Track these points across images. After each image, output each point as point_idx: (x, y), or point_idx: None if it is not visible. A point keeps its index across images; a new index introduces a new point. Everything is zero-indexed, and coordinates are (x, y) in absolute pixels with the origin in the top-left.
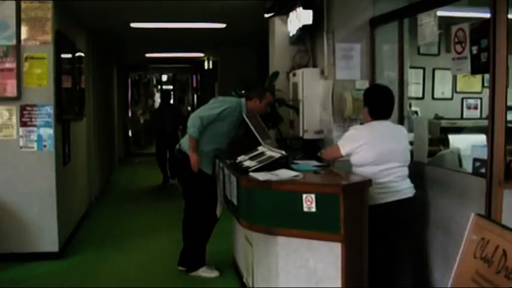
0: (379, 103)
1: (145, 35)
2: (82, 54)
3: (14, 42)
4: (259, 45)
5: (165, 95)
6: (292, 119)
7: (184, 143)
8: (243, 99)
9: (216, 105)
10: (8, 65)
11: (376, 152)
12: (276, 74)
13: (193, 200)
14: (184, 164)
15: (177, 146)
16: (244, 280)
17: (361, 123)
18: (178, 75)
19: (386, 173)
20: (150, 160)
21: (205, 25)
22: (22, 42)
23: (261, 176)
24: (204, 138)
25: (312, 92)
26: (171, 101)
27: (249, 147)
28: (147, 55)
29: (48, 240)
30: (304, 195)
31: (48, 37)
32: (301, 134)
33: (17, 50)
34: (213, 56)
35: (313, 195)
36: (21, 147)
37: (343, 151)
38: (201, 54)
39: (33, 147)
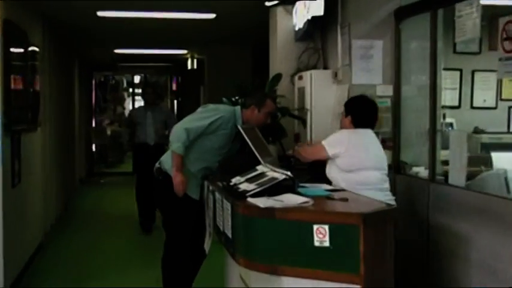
0: (364, 111)
1: (114, 26)
2: (36, 49)
3: None
4: (257, 41)
5: (149, 92)
6: (298, 132)
7: (166, 160)
8: (237, 108)
9: (205, 115)
10: None
11: (366, 156)
12: (278, 77)
13: (176, 231)
14: (165, 187)
15: (157, 165)
16: None
17: None
18: (154, 77)
19: (374, 180)
20: (118, 180)
21: (190, 15)
22: None
23: (262, 202)
24: (191, 155)
25: (323, 99)
26: (158, 101)
27: (246, 166)
28: (117, 51)
29: None
30: (315, 226)
31: None
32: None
33: None
34: (198, 53)
35: (326, 226)
36: None
37: (330, 152)
38: (184, 51)
39: None
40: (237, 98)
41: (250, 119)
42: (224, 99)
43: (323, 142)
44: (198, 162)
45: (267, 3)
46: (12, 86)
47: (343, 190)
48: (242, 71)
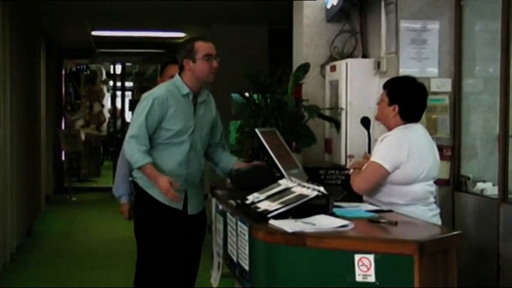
0: (415, 101)
1: (92, 2)
2: None
3: None
4: (275, 18)
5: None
6: (329, 138)
7: (139, 175)
8: (175, 77)
9: (140, 110)
10: None
11: (427, 164)
12: (304, 68)
13: (156, 259)
14: (138, 201)
15: (132, 178)
16: None
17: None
18: (141, 66)
19: (432, 190)
20: (95, 198)
21: None
22: None
23: (289, 226)
24: (158, 160)
25: (362, 95)
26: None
27: (265, 180)
28: (94, 33)
29: None
30: (357, 257)
31: None
32: (343, 162)
33: None
34: (200, 36)
35: (371, 257)
36: None
37: (388, 166)
38: (181, 34)
39: None
40: (250, 93)
41: (193, 77)
42: (233, 95)
43: (374, 159)
44: (169, 162)
45: None
46: None
47: (390, 211)
48: (256, 58)
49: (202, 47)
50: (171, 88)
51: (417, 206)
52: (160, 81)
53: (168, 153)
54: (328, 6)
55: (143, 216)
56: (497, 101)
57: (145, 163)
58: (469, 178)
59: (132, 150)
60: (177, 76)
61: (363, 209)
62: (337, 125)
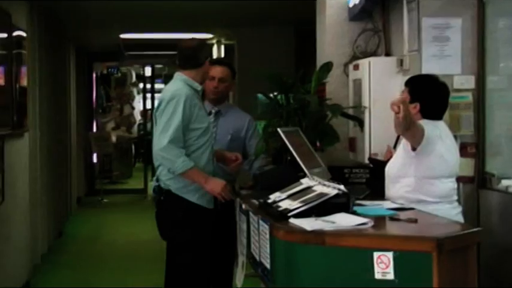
0: (436, 99)
1: (120, 5)
2: (23, 34)
3: None
4: (301, 19)
5: None
6: (353, 137)
7: (167, 177)
8: (181, 75)
9: (170, 110)
10: None
11: (454, 157)
12: (327, 67)
13: (189, 264)
14: (169, 207)
15: (154, 183)
16: None
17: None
18: (170, 68)
19: (455, 188)
20: (126, 200)
21: None
22: None
23: (309, 224)
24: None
25: (385, 94)
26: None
27: (288, 179)
28: (123, 37)
29: None
30: (376, 254)
31: None
32: (367, 160)
33: None
34: (226, 38)
35: (390, 254)
36: None
37: (426, 146)
38: (209, 36)
39: None
40: (275, 93)
41: (204, 76)
42: (260, 95)
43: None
44: (201, 161)
45: None
46: None
47: (412, 209)
48: (282, 59)
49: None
50: (188, 86)
51: (443, 204)
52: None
53: (198, 154)
54: (351, 5)
55: (178, 224)
56: None
57: (192, 166)
58: (493, 175)
59: (173, 155)
60: (182, 75)
61: (385, 207)
62: (361, 123)
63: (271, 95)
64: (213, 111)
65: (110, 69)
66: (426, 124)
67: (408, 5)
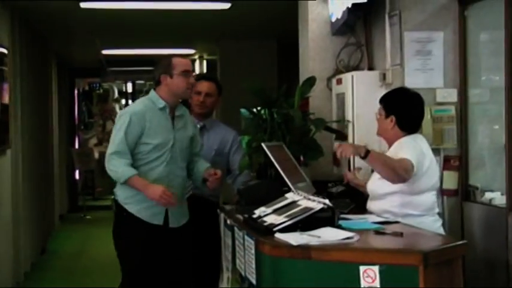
0: (410, 109)
1: (102, 21)
2: (4, 51)
3: None
4: (284, 33)
5: None
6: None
7: (119, 191)
8: (151, 92)
9: (117, 127)
10: None
11: (437, 172)
12: (310, 81)
13: (126, 274)
14: (123, 224)
15: (114, 196)
16: None
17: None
18: (151, 85)
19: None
20: (109, 216)
21: (199, 5)
22: None
23: (294, 239)
24: (141, 174)
25: (368, 107)
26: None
27: (272, 194)
28: (105, 52)
29: None
30: (362, 268)
31: None
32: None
33: None
34: (208, 53)
35: (376, 268)
36: None
37: (417, 171)
38: (190, 51)
39: None
40: (259, 108)
41: (170, 92)
42: (243, 110)
43: (409, 157)
44: (150, 175)
45: None
46: None
47: (397, 222)
48: (265, 73)
49: (180, 63)
50: (147, 103)
51: (427, 216)
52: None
53: (148, 167)
54: (333, 20)
55: (122, 234)
56: (502, 111)
57: (133, 174)
58: (477, 188)
59: (115, 165)
60: (152, 91)
61: (370, 220)
62: (344, 137)
63: (255, 110)
64: (198, 126)
65: (92, 85)
66: (407, 145)
67: (390, 20)
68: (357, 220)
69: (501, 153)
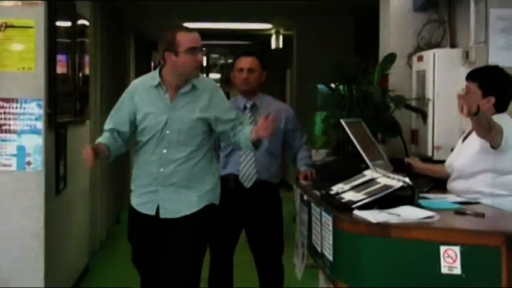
0: (510, 91)
1: None
2: (86, 23)
3: None
4: (361, 9)
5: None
6: (416, 129)
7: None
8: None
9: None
10: None
11: None
12: (391, 58)
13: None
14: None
15: None
16: None
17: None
18: (226, 58)
19: None
20: None
21: None
22: None
23: (373, 216)
24: (135, 156)
25: (450, 86)
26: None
27: (349, 171)
28: (188, 25)
29: None
30: (442, 248)
31: None
32: (429, 153)
33: None
34: (285, 28)
35: (457, 249)
36: None
37: (505, 145)
38: (267, 26)
39: (11, 166)
40: (337, 84)
41: (175, 71)
42: (319, 86)
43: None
44: (140, 158)
45: None
46: (58, 68)
47: (477, 203)
48: (342, 49)
49: (186, 39)
50: (145, 79)
51: (511, 197)
52: (232, 74)
53: (141, 151)
54: None
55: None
56: None
57: (95, 142)
58: None
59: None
60: (158, 69)
61: (450, 200)
62: (424, 116)
63: (332, 85)
64: (248, 105)
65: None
66: (500, 120)
67: None
68: (436, 199)
69: None
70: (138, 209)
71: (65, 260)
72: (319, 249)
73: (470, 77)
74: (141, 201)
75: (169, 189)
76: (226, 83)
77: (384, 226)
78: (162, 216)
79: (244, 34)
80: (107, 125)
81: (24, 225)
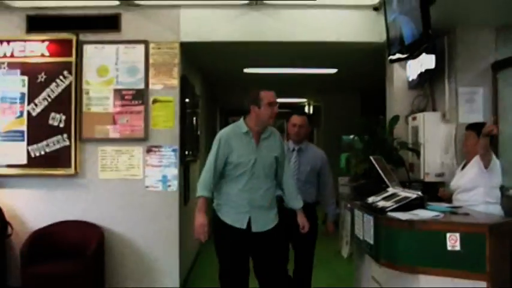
0: None
1: (254, 79)
2: (199, 99)
3: (142, 86)
4: (364, 89)
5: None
6: (412, 162)
7: (215, 196)
8: (240, 120)
9: (213, 147)
10: (136, 108)
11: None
12: (396, 118)
13: (221, 267)
14: (214, 219)
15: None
16: None
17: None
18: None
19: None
20: None
21: (318, 71)
22: (150, 86)
23: (402, 216)
24: (227, 186)
25: (433, 135)
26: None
27: (374, 189)
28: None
29: (170, 277)
30: (448, 234)
31: (175, 81)
32: (422, 177)
33: (145, 93)
34: (314, 101)
35: (457, 234)
36: (146, 187)
37: (493, 166)
38: (303, 100)
39: (158, 187)
40: (359, 135)
41: (257, 120)
42: (344, 137)
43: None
44: (233, 188)
45: (392, 57)
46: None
47: (460, 207)
48: (352, 114)
49: (267, 96)
50: (232, 128)
51: (498, 204)
52: (287, 126)
53: (234, 181)
54: (410, 80)
55: (215, 232)
56: None
57: (202, 195)
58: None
59: (200, 182)
60: (241, 119)
61: (444, 206)
62: (418, 154)
63: (357, 137)
64: (296, 148)
65: (234, 120)
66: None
67: (449, 79)
68: (435, 205)
69: None
70: (231, 224)
71: (189, 246)
72: (361, 237)
73: (470, 128)
74: (234, 219)
75: (258, 210)
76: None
77: (410, 222)
78: (254, 230)
79: (288, 105)
80: (208, 167)
81: (167, 226)
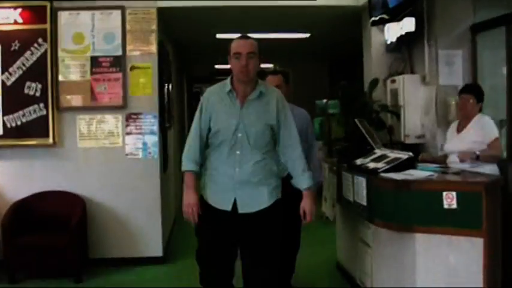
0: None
1: (222, 44)
2: (171, 65)
3: (120, 53)
4: (333, 57)
5: None
6: (391, 125)
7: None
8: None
9: (197, 110)
10: (114, 75)
11: None
12: (375, 82)
13: (200, 251)
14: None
15: None
16: (359, 283)
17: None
18: None
19: None
20: None
21: (291, 35)
22: (127, 53)
23: (397, 176)
24: (210, 157)
25: (413, 97)
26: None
27: (358, 151)
28: (217, 67)
29: (153, 245)
30: (444, 193)
31: (153, 48)
32: (402, 139)
33: (123, 60)
34: (280, 66)
35: (453, 193)
36: (126, 155)
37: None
38: (270, 65)
39: (138, 155)
40: (326, 100)
41: (234, 73)
42: (317, 101)
43: (496, 135)
44: (215, 160)
45: (374, 19)
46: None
47: (448, 167)
48: (320, 81)
49: (233, 46)
50: (220, 87)
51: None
52: None
53: (215, 152)
54: (388, 43)
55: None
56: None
57: (185, 170)
58: None
59: (184, 154)
60: (230, 77)
61: (432, 166)
62: (398, 116)
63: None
64: None
65: (197, 89)
66: (490, 124)
67: (428, 42)
68: (425, 166)
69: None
70: (215, 206)
71: (168, 214)
72: (351, 200)
73: (466, 90)
74: (218, 199)
75: (246, 186)
76: None
77: (405, 182)
78: (241, 211)
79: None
80: (193, 138)
81: (149, 194)
